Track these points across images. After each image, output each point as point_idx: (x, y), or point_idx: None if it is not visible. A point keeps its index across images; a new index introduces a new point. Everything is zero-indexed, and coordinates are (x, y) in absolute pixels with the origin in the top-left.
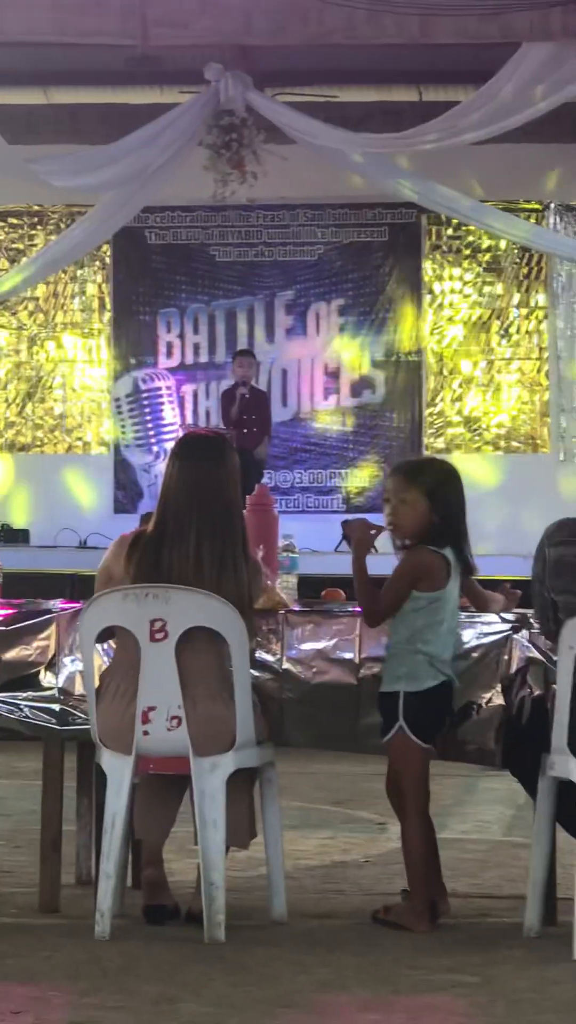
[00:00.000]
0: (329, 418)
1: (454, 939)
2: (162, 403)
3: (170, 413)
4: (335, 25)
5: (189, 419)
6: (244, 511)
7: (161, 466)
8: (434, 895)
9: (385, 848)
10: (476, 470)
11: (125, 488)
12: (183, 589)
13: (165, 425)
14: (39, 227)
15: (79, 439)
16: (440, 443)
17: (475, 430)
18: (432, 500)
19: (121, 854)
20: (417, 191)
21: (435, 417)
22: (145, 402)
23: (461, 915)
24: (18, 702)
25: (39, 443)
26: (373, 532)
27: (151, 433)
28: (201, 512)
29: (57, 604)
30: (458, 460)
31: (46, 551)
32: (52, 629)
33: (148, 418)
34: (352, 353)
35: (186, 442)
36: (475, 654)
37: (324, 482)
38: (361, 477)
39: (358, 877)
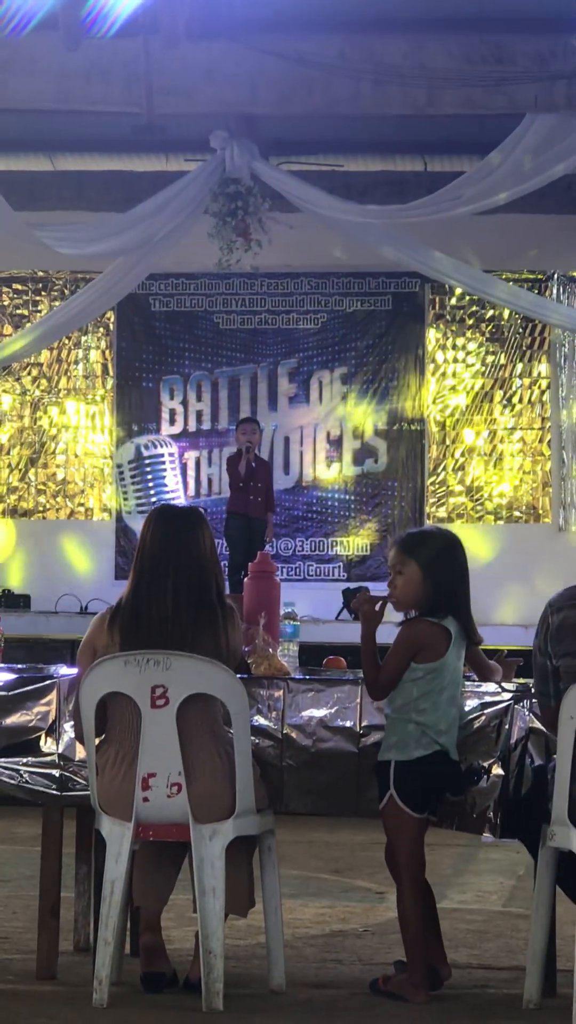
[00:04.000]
0: (331, 486)
1: (453, 1010)
2: (164, 470)
3: (172, 480)
4: (341, 95)
5: (191, 486)
6: (222, 573)
7: None
8: (434, 962)
9: (384, 918)
10: (478, 540)
11: (126, 554)
12: (184, 656)
13: (167, 492)
14: (43, 293)
15: (81, 505)
16: (442, 512)
17: (477, 499)
18: (428, 571)
19: (119, 921)
20: (420, 261)
21: (437, 486)
22: (147, 469)
23: (460, 986)
24: (18, 767)
25: (41, 508)
26: (379, 604)
27: (153, 500)
28: (177, 564)
29: (58, 670)
30: (460, 530)
31: (47, 616)
32: (53, 695)
33: (150, 485)
34: (355, 421)
35: (161, 510)
36: (476, 724)
37: (326, 550)
38: (363, 545)
39: (357, 947)
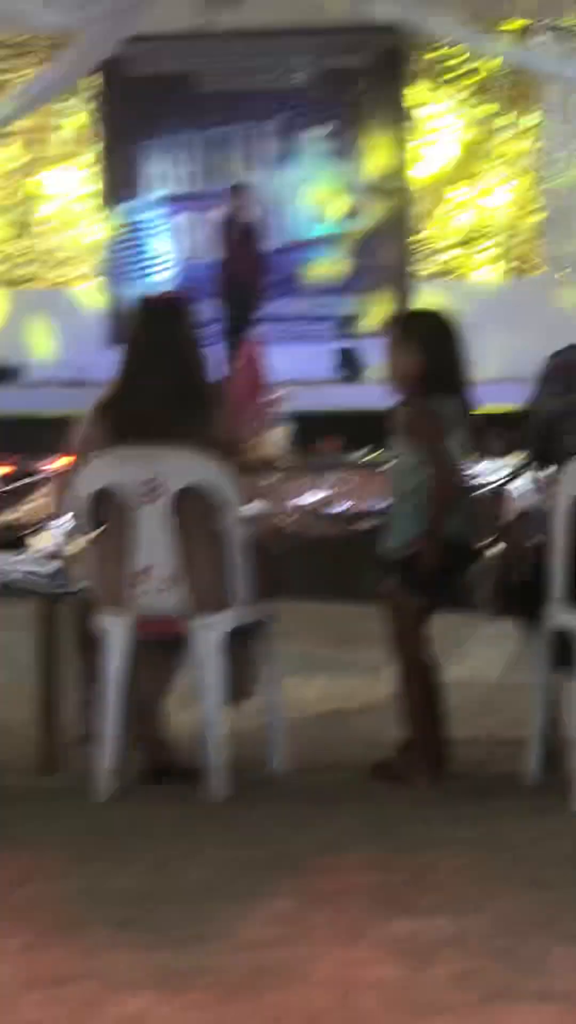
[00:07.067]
0: (319, 246)
1: (454, 791)
2: (153, 234)
3: (161, 244)
4: None
5: (184, 250)
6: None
7: None
8: (436, 745)
9: (384, 693)
10: (470, 294)
11: (118, 318)
12: (174, 449)
13: (157, 255)
14: (21, 58)
15: (72, 271)
16: (432, 268)
17: (467, 254)
18: (423, 347)
19: (120, 713)
20: (411, 15)
21: (425, 243)
22: (138, 233)
23: (460, 763)
24: (12, 563)
25: (29, 278)
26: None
27: (144, 263)
28: (162, 356)
29: (50, 465)
30: (451, 286)
31: (39, 389)
32: (45, 491)
33: (140, 248)
34: (340, 181)
35: (147, 301)
36: (472, 505)
37: (316, 311)
38: (353, 305)
39: (359, 725)
